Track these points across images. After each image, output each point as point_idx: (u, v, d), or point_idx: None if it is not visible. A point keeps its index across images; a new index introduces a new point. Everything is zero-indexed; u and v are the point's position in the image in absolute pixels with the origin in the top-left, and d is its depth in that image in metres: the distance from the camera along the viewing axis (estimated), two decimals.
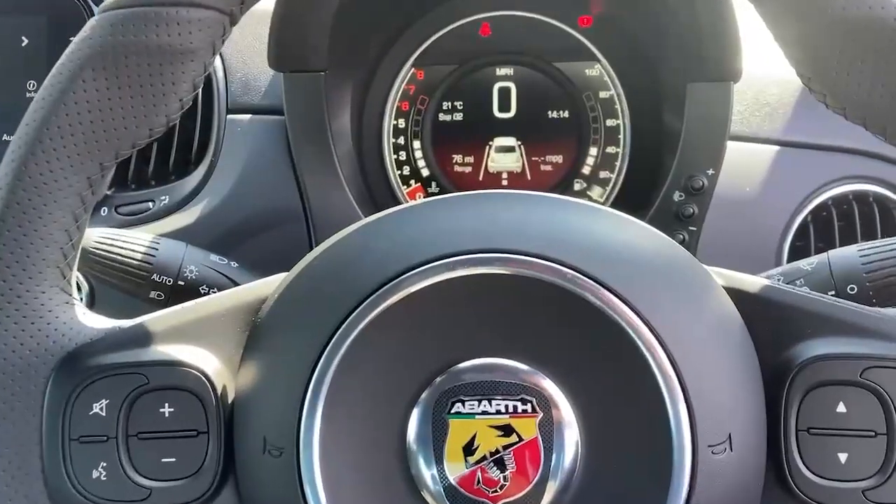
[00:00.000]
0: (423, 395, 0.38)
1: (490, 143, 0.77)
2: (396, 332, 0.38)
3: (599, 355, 0.37)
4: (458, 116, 0.78)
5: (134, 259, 0.57)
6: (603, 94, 0.76)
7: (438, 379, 0.38)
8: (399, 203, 0.76)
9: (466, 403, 0.38)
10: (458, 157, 0.78)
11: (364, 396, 0.38)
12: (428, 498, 0.38)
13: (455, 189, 0.78)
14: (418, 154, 0.78)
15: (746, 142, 0.71)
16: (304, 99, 0.67)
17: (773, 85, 0.73)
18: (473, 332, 0.38)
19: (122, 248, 0.57)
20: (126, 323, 0.43)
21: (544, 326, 0.38)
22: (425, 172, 0.78)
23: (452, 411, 0.38)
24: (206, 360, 0.42)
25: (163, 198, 0.68)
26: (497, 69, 0.77)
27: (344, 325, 0.37)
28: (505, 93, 0.77)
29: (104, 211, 0.68)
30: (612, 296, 0.37)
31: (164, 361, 0.41)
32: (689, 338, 0.37)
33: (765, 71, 0.73)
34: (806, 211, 0.71)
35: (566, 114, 0.77)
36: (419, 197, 0.78)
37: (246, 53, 0.71)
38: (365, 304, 0.37)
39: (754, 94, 0.73)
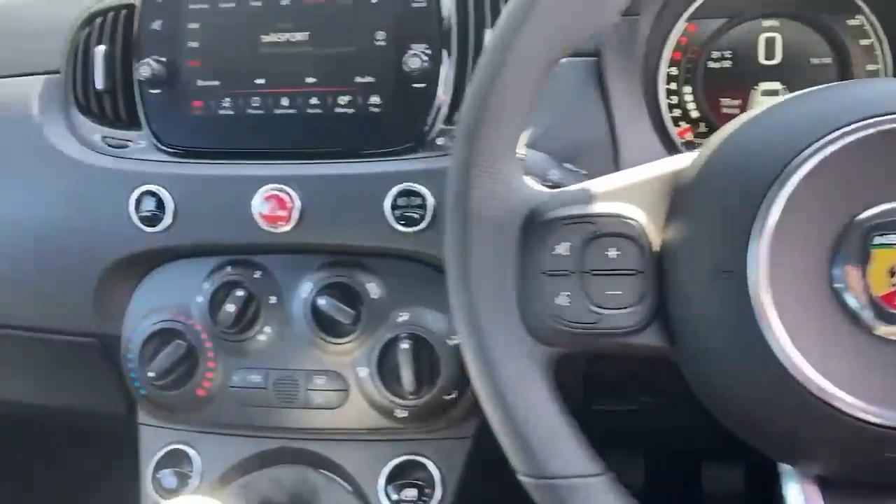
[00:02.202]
0: (850, 229, 0.47)
1: (755, 87, 0.86)
2: (829, 176, 0.47)
3: None
4: (727, 64, 0.87)
5: None
6: (864, 42, 0.84)
7: (861, 216, 0.47)
8: (672, 143, 0.86)
9: (886, 236, 0.47)
10: (725, 101, 0.87)
11: (801, 227, 0.48)
12: (858, 311, 0.47)
13: None
14: (689, 98, 0.87)
15: None
16: (620, 41, 0.77)
17: None
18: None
19: None
20: (570, 188, 0.54)
21: None
22: (695, 115, 0.87)
23: (875, 242, 0.47)
24: (639, 215, 0.52)
25: None
26: (763, 21, 0.86)
27: (788, 166, 0.47)
28: (770, 42, 0.86)
29: None
30: None
31: (611, 214, 0.52)
32: None
33: None
34: None
35: (829, 60, 0.85)
36: (688, 137, 0.88)
37: None
38: (807, 150, 0.47)
39: None
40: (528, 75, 0.52)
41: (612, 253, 0.52)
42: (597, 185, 0.54)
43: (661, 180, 0.53)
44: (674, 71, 0.88)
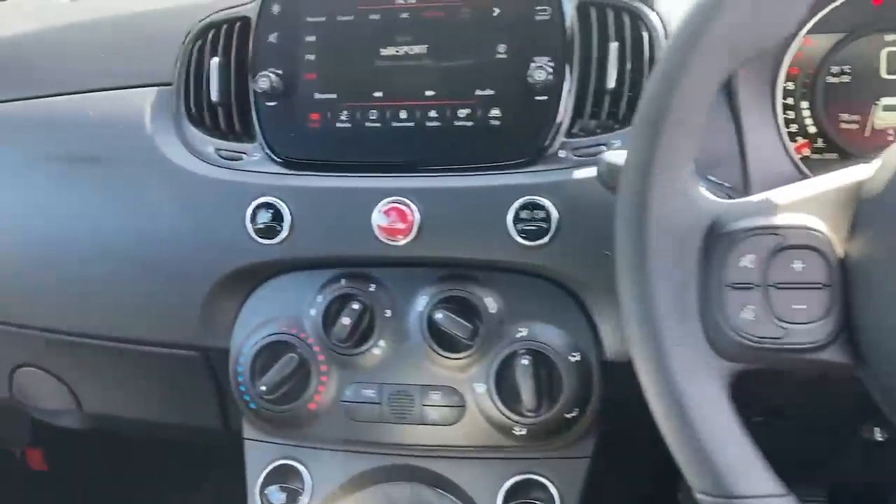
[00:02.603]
0: None
1: (876, 102, 0.85)
2: None
3: None
4: (846, 79, 0.86)
5: None
6: None
7: None
8: (791, 158, 0.84)
9: None
10: (844, 116, 0.86)
11: None
12: None
13: (841, 145, 0.85)
14: (806, 113, 0.86)
15: None
16: None
17: None
18: None
19: None
20: (751, 198, 0.53)
21: None
22: (812, 130, 0.86)
23: None
24: (822, 226, 0.51)
25: (614, 142, 0.79)
26: (885, 35, 0.85)
27: None
28: (893, 56, 0.85)
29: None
30: None
31: (797, 225, 0.51)
32: None
33: None
34: None
35: None
36: (804, 152, 0.86)
37: None
38: None
39: None
40: (708, 85, 0.51)
41: (798, 265, 0.51)
42: (779, 195, 0.53)
43: (844, 191, 0.52)
44: (790, 86, 0.87)
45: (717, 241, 0.51)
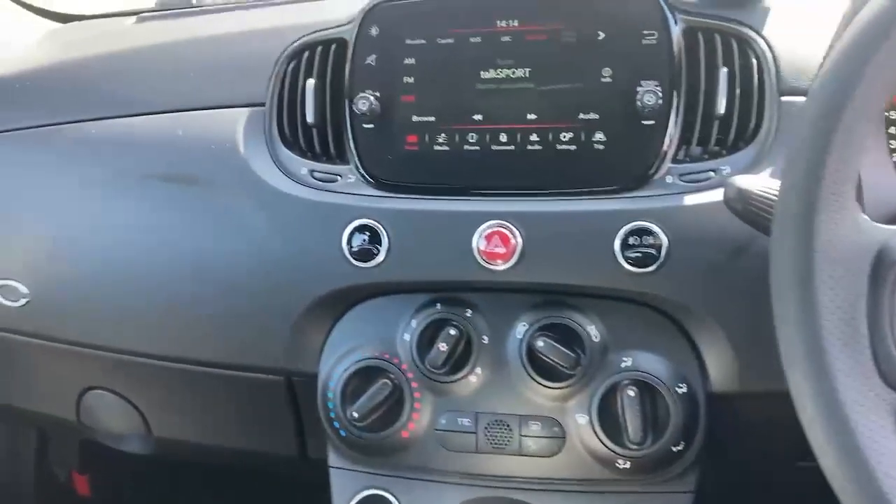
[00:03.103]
0: None
1: None
2: None
3: None
4: None
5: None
6: None
7: None
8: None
9: None
10: None
11: None
12: None
13: None
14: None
15: None
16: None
17: None
18: None
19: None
20: None
21: None
22: None
23: None
24: None
25: (723, 168, 0.78)
26: None
27: None
28: None
29: None
30: None
31: None
32: None
33: None
34: None
35: None
36: None
37: (795, 38, 0.80)
38: None
39: None
40: (880, 101, 0.50)
41: None
42: None
43: None
44: (893, 115, 0.86)
45: (887, 268, 0.50)
